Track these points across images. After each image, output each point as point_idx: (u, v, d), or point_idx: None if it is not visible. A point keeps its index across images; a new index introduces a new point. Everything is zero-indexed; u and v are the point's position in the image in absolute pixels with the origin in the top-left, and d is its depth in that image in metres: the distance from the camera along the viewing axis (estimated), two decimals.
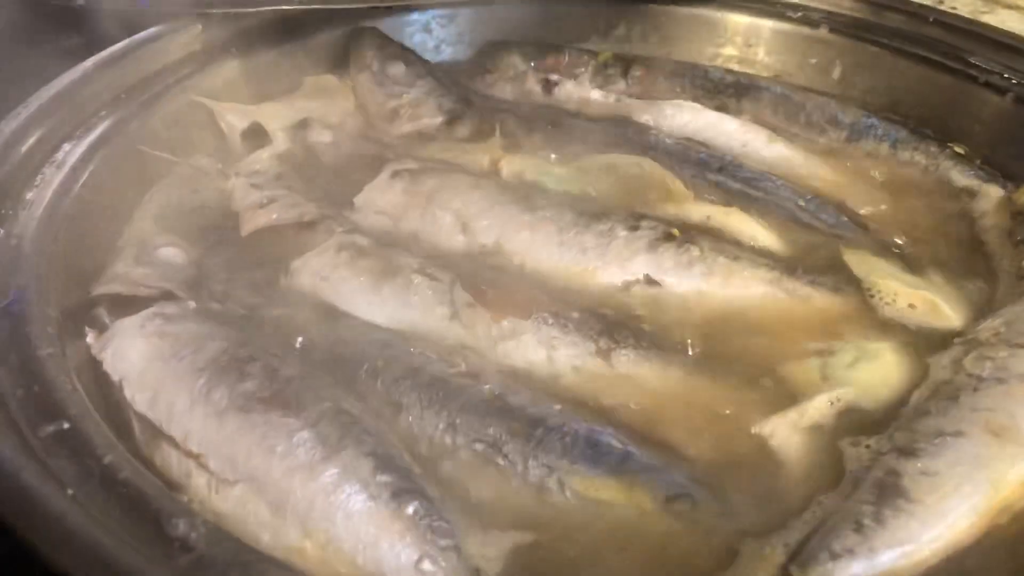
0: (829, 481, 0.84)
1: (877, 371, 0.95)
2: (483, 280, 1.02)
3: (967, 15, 1.84)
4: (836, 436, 0.88)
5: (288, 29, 1.40)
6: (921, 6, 1.52)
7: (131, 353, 0.87)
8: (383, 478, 0.76)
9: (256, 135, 1.28)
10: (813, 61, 1.49)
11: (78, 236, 1.01)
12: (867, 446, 0.86)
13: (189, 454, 0.80)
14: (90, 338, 0.91)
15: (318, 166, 1.27)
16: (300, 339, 0.94)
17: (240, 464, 0.78)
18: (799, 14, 1.50)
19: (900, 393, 0.93)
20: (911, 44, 1.41)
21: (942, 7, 1.87)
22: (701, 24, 1.54)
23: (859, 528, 0.75)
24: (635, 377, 0.94)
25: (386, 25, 1.48)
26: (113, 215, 1.10)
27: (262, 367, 0.85)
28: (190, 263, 1.04)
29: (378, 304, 0.99)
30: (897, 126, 1.36)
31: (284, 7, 1.33)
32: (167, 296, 0.97)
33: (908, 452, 0.82)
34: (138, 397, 0.84)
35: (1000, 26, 1.79)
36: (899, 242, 1.17)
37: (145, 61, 1.25)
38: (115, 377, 0.86)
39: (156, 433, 0.83)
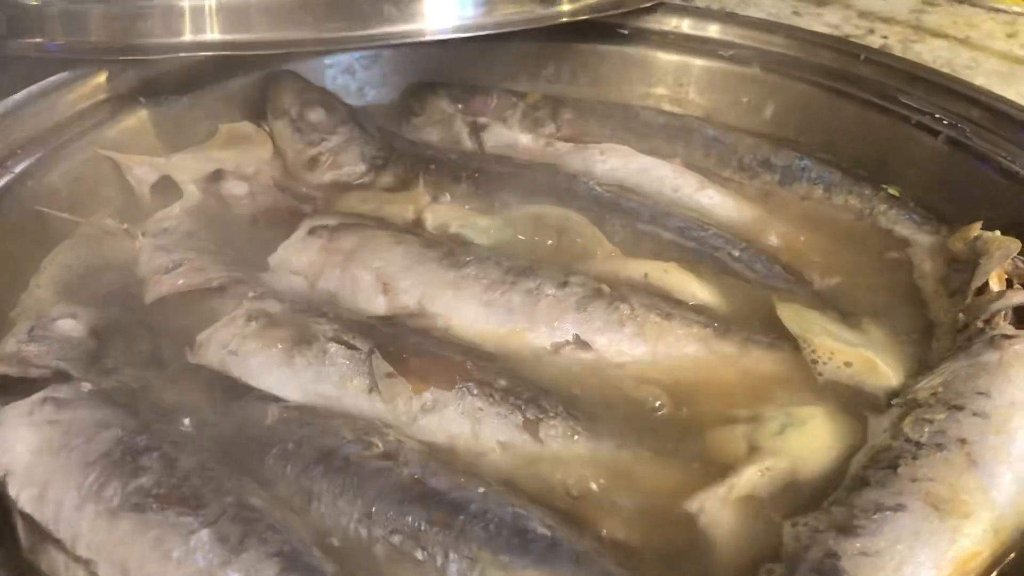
0: (767, 560, 0.79)
1: (807, 438, 0.91)
2: (405, 347, 0.96)
3: (898, 44, 1.84)
4: (772, 510, 0.84)
5: (200, 74, 1.33)
6: (853, 44, 1.50)
7: (17, 444, 0.81)
8: None
9: (167, 189, 1.21)
10: (745, 100, 1.46)
11: None
12: (804, 523, 0.81)
13: (78, 559, 0.74)
14: None
15: (232, 221, 1.21)
16: (204, 422, 0.88)
17: (132, 571, 0.72)
18: (730, 52, 1.46)
19: (838, 460, 0.90)
20: (843, 83, 1.38)
21: (872, 37, 1.86)
22: (631, 64, 1.50)
23: None
24: (563, 451, 0.89)
25: (305, 68, 1.41)
26: (7, 283, 1.04)
27: (159, 458, 0.79)
28: (89, 336, 0.97)
29: (290, 377, 0.93)
30: (831, 168, 1.32)
31: (197, 53, 1.26)
32: (61, 377, 0.90)
33: (847, 530, 0.78)
34: (23, 494, 0.79)
35: (930, 55, 1.80)
36: (834, 292, 1.13)
37: (45, 112, 1.18)
38: None
39: (43, 535, 0.76)
